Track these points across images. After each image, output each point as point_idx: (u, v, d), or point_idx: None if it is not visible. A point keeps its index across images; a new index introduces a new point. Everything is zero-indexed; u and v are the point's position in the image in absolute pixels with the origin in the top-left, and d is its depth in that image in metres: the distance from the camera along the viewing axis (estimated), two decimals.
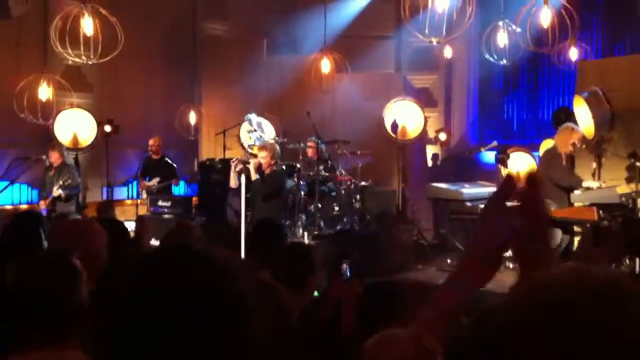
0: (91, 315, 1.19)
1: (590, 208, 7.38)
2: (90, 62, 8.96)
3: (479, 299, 1.37)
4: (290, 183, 9.22)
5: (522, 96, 12.74)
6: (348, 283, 3.71)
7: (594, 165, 9.30)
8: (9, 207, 9.67)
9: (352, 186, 10.00)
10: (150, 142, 10.58)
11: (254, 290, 1.16)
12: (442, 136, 12.17)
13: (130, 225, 6.63)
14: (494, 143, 9.78)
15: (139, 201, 10.53)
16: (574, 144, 7.84)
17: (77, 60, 8.83)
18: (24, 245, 3.90)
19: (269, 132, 10.63)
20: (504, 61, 10.60)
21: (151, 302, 1.08)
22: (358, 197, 9.96)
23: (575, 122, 8.77)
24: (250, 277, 1.19)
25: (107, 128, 10.22)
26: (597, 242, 7.80)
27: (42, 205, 9.05)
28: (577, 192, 8.17)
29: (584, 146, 8.83)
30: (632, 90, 9.30)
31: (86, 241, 3.12)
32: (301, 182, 9.43)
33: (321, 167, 9.72)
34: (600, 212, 7.36)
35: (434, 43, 9.35)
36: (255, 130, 10.27)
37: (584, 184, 7.92)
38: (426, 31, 8.68)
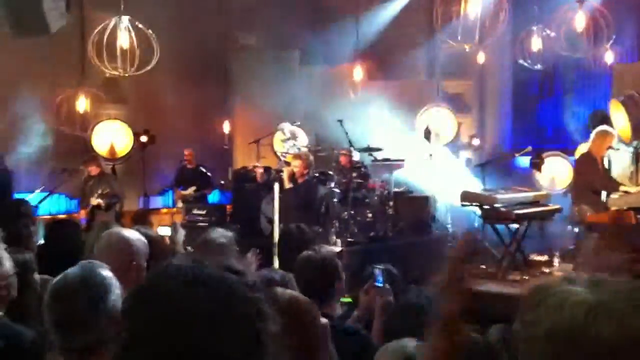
0: (121, 331, 1.21)
1: (627, 212, 7.26)
2: (126, 75, 9.14)
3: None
4: (323, 191, 9.25)
5: (557, 101, 12.60)
6: (379, 290, 3.71)
7: (632, 168, 9.17)
8: (48, 217, 9.89)
9: (385, 193, 10.00)
10: (185, 152, 10.74)
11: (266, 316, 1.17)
12: (475, 141, 12.11)
13: (166, 231, 6.76)
14: (529, 148, 9.68)
15: (174, 210, 10.67)
16: (608, 147, 7.74)
17: (113, 72, 9.00)
18: (64, 254, 4.00)
19: (303, 141, 10.69)
20: (538, 66, 10.53)
21: (174, 329, 1.12)
22: (391, 203, 9.95)
23: (611, 125, 8.65)
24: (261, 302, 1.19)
25: (143, 138, 10.39)
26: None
27: (82, 215, 9.24)
28: (614, 195, 8.05)
29: (619, 149, 8.70)
30: None
31: (129, 254, 3.20)
32: (334, 190, 9.46)
33: (354, 175, 9.74)
34: (639, 216, 7.24)
35: (467, 49, 9.34)
36: (289, 139, 10.34)
37: (622, 188, 7.81)
38: (458, 37, 8.67)
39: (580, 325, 1.07)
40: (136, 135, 10.47)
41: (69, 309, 2.22)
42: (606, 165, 8.09)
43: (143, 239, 3.34)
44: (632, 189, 7.95)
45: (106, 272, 2.38)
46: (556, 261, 8.74)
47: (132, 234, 3.33)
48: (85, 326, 2.19)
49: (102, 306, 2.23)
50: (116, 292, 2.30)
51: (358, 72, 11.78)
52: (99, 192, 9.06)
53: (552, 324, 1.10)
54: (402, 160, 10.71)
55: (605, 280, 1.14)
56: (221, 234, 4.04)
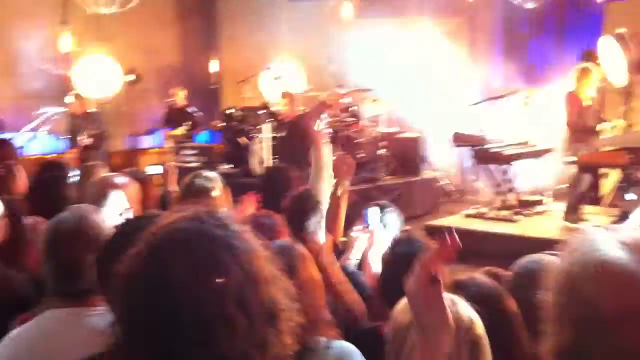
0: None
1: (619, 152, 7.25)
2: (109, 12, 8.91)
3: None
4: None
5: (548, 39, 12.43)
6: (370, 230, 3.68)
7: (622, 108, 9.13)
8: (38, 156, 9.75)
9: (376, 133, 9.94)
10: (172, 91, 10.57)
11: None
12: (466, 80, 11.98)
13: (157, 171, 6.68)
14: (518, 89, 9.61)
15: (162, 150, 10.58)
16: (591, 85, 7.69)
17: (96, 9, 8.77)
18: (51, 196, 3.94)
19: (292, 80, 10.55)
20: (529, 4, 10.35)
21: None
22: (382, 144, 9.90)
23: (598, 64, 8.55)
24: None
25: (130, 77, 10.19)
26: (627, 189, 7.71)
27: (71, 154, 9.12)
28: (606, 135, 8.03)
29: (608, 88, 8.65)
30: None
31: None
32: (325, 130, 9.37)
33: (344, 115, 9.65)
34: (631, 155, 7.23)
35: None
36: (279, 77, 10.22)
37: (610, 123, 7.76)
38: None
39: None
40: (122, 74, 10.25)
41: (66, 254, 2.20)
42: (596, 105, 8.02)
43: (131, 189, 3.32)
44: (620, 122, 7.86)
45: (99, 218, 2.37)
46: (548, 200, 8.81)
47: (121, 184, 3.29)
48: (81, 271, 2.17)
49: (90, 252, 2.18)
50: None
51: (347, 9, 11.54)
52: (88, 131, 8.93)
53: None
54: (393, 100, 10.62)
55: None
56: (205, 178, 3.96)
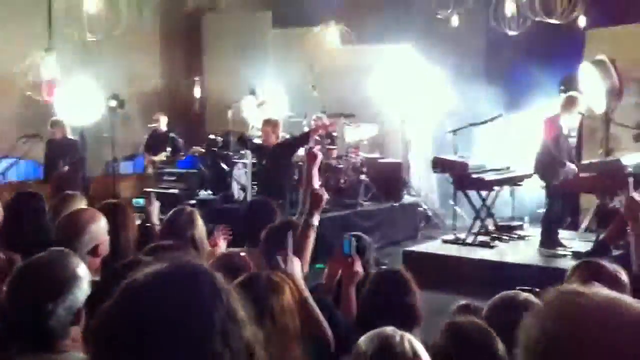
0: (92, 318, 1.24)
1: (596, 178, 7.35)
2: (94, 39, 8.97)
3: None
4: (297, 154, 9.18)
5: (530, 65, 12.59)
6: (344, 259, 3.69)
7: (602, 135, 9.26)
8: (15, 182, 9.73)
9: (358, 159, 10.01)
10: (155, 117, 10.62)
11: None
12: (450, 105, 12.09)
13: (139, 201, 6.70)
14: (499, 114, 9.71)
15: (145, 175, 10.59)
16: (578, 113, 7.77)
17: (81, 37, 8.83)
18: (27, 229, 3.94)
19: (275, 106, 10.61)
20: (512, 31, 10.50)
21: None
22: (364, 169, 9.97)
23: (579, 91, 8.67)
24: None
25: (113, 103, 10.22)
26: (600, 222, 7.80)
27: (50, 182, 9.13)
28: (584, 162, 8.12)
29: (588, 115, 8.76)
30: (636, 59, 9.22)
31: (89, 230, 3.22)
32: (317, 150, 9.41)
33: (327, 141, 9.72)
34: (607, 182, 7.31)
35: (439, 16, 9.32)
36: (262, 104, 10.28)
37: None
38: (432, 5, 8.64)
39: None
40: (105, 100, 10.27)
41: (32, 300, 2.19)
42: (574, 133, 8.12)
43: (100, 222, 3.33)
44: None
45: (74, 261, 2.37)
46: (526, 225, 8.89)
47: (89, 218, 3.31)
48: (48, 316, 2.17)
49: (67, 298, 2.22)
50: (83, 286, 2.29)
51: (331, 36, 11.66)
52: (63, 157, 8.95)
53: None
54: (375, 126, 10.71)
55: None
56: (187, 215, 4.01)
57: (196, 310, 1.17)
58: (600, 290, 1.12)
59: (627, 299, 1.11)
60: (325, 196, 3.90)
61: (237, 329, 1.20)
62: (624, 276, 2.66)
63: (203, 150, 10.51)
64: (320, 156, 4.54)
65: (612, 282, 2.52)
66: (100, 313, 1.21)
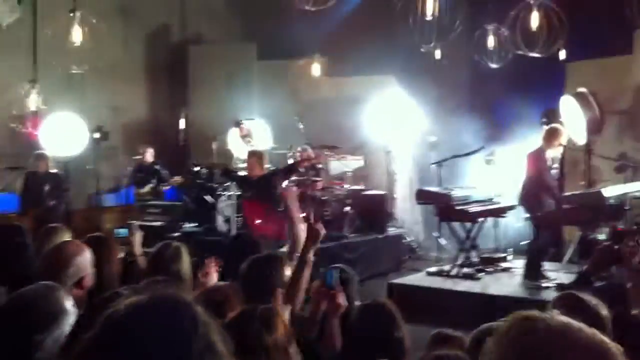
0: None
1: (578, 210, 7.41)
2: (79, 71, 8.99)
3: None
4: (281, 187, 9.19)
5: (512, 98, 12.73)
6: (326, 292, 3.67)
7: (583, 166, 9.34)
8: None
9: (343, 191, 10.03)
10: (142, 149, 10.61)
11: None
12: (432, 138, 12.19)
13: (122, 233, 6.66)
14: (481, 146, 9.81)
15: (128, 207, 10.54)
16: (559, 145, 7.85)
17: (65, 69, 8.85)
18: (11, 261, 3.91)
19: (259, 138, 10.64)
20: (494, 64, 10.64)
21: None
22: (348, 201, 9.98)
23: (561, 123, 8.78)
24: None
25: (97, 135, 10.21)
26: (583, 254, 7.86)
27: (31, 214, 9.06)
28: (566, 193, 8.20)
29: (570, 148, 8.85)
30: (616, 92, 9.39)
31: (74, 263, 3.24)
32: (292, 188, 9.43)
33: (311, 172, 9.74)
34: (589, 214, 7.37)
35: (422, 50, 9.43)
36: (247, 136, 10.28)
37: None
38: (416, 38, 8.74)
39: None
40: (89, 132, 10.26)
41: (18, 334, 2.22)
42: (556, 165, 8.18)
43: (85, 254, 3.35)
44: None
45: (64, 298, 2.42)
46: (510, 257, 8.92)
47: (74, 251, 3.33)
48: (32, 349, 2.19)
49: (55, 330, 2.26)
50: (70, 320, 2.32)
51: (316, 68, 11.76)
52: (45, 190, 8.90)
53: None
54: (360, 158, 10.76)
55: None
56: (173, 250, 4.00)
57: (174, 342, 1.18)
58: (556, 316, 1.19)
59: (580, 325, 1.17)
60: (323, 231, 3.88)
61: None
62: (603, 310, 2.69)
63: (181, 180, 10.49)
64: (293, 190, 4.56)
65: (591, 314, 2.54)
66: (80, 344, 1.22)
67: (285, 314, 3.32)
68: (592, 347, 1.13)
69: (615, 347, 1.15)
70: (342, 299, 3.62)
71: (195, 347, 1.19)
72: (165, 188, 10.69)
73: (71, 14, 8.75)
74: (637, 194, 7.75)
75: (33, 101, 9.79)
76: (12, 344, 2.20)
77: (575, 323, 1.17)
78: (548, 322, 1.17)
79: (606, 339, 1.15)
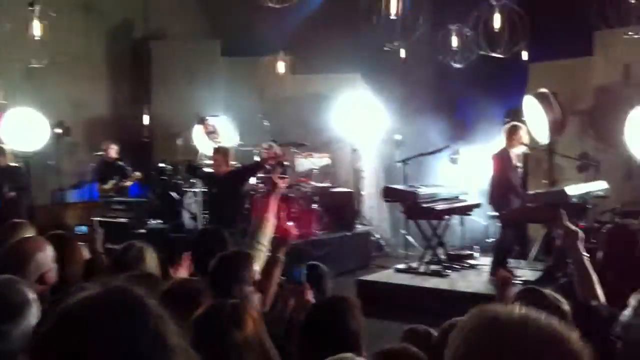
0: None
1: (542, 208, 7.49)
2: (39, 65, 8.81)
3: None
4: (247, 184, 9.14)
5: (475, 97, 12.87)
6: (293, 288, 3.64)
7: (546, 166, 9.49)
8: None
9: (309, 188, 10.01)
10: (105, 145, 10.45)
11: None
12: (398, 136, 12.25)
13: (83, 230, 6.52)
14: (447, 145, 9.90)
15: (90, 203, 10.38)
16: (521, 143, 7.95)
17: (25, 63, 8.67)
18: None
19: (224, 135, 10.55)
20: (457, 64, 10.75)
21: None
22: (315, 198, 9.97)
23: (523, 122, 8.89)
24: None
25: (58, 130, 10.02)
26: (548, 251, 7.99)
27: None
28: (530, 192, 8.32)
29: (533, 147, 8.98)
30: (577, 92, 9.57)
31: (35, 259, 3.24)
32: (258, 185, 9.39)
33: (279, 170, 9.68)
34: (553, 212, 7.48)
35: (386, 49, 9.48)
36: (212, 132, 10.19)
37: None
38: (381, 37, 8.78)
39: None
40: (51, 127, 10.07)
41: None
42: (520, 164, 8.28)
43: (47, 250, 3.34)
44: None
45: (28, 290, 2.42)
46: (476, 254, 9.01)
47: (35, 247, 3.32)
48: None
49: (21, 322, 2.26)
50: (35, 311, 2.33)
51: (281, 65, 11.72)
52: (6, 185, 8.70)
53: None
54: (326, 155, 10.76)
55: None
56: (137, 251, 3.92)
57: (120, 335, 1.17)
58: (516, 308, 1.22)
59: (539, 314, 1.21)
60: (295, 232, 3.85)
61: (165, 356, 1.20)
62: (564, 305, 2.76)
63: (141, 177, 10.37)
64: (282, 185, 4.49)
65: (552, 307, 2.59)
66: (34, 338, 1.24)
67: (254, 310, 3.29)
68: (552, 333, 1.17)
69: (574, 334, 1.19)
70: (309, 295, 3.61)
71: (143, 341, 1.18)
72: (128, 184, 10.54)
73: (30, 8, 8.59)
74: (598, 192, 7.91)
75: None
76: None
77: (535, 313, 1.20)
78: (508, 313, 1.20)
79: (565, 327, 1.19)
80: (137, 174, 10.52)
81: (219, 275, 3.51)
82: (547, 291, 2.86)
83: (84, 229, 5.16)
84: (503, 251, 7.85)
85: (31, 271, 3.20)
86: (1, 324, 2.21)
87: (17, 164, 9.28)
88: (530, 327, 1.17)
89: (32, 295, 2.40)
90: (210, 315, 2.52)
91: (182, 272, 4.07)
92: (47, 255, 3.32)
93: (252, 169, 8.56)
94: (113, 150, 10.47)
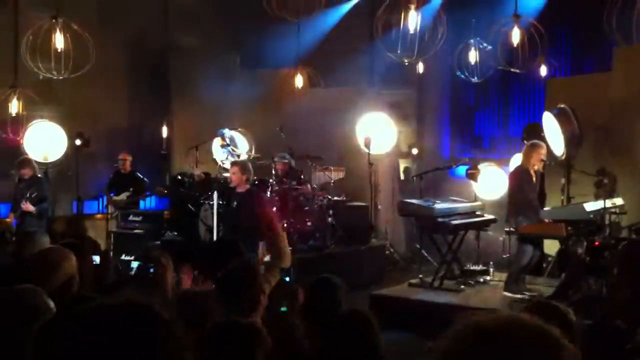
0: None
1: (558, 225, 7.45)
2: (61, 77, 8.92)
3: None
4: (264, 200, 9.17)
5: (493, 112, 12.86)
6: (292, 289, 3.67)
7: (563, 181, 9.43)
8: None
9: (325, 201, 10.01)
10: (120, 156, 10.54)
11: None
12: (415, 150, 12.25)
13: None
14: (465, 159, 9.88)
15: (108, 215, 10.44)
16: (541, 160, 7.91)
17: (47, 74, 8.78)
18: None
19: (242, 147, 10.62)
20: (475, 79, 10.74)
21: None
22: (331, 212, 9.97)
23: (544, 138, 8.87)
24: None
25: (78, 141, 10.13)
26: (562, 267, 7.92)
27: (12, 218, 8.97)
28: (546, 208, 8.27)
29: (552, 163, 8.94)
30: (595, 107, 9.51)
31: (61, 268, 3.36)
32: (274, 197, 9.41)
33: (293, 183, 9.73)
34: (569, 228, 7.44)
35: (405, 63, 9.48)
36: (228, 145, 10.25)
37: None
38: (398, 51, 8.79)
39: None
40: (70, 138, 10.18)
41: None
42: (538, 179, 8.23)
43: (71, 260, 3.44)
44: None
45: (48, 301, 2.51)
46: (491, 270, 8.96)
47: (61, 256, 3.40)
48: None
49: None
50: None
51: (299, 79, 11.77)
52: (27, 195, 8.79)
53: None
54: (342, 169, 10.77)
55: None
56: (154, 263, 3.96)
57: (134, 348, 1.19)
58: (505, 312, 1.23)
59: (528, 315, 1.21)
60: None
61: None
62: (571, 315, 2.73)
63: (165, 191, 10.42)
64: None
65: (559, 317, 2.58)
66: (51, 344, 1.28)
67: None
68: (538, 331, 1.17)
69: (557, 330, 1.19)
70: (301, 296, 3.65)
71: (158, 353, 1.21)
72: (142, 198, 10.60)
73: (53, 20, 8.70)
74: (616, 209, 7.85)
75: (13, 106, 9.70)
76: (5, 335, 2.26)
77: (525, 315, 1.21)
78: (496, 315, 1.21)
79: (553, 328, 1.19)
80: (159, 188, 10.58)
81: (229, 287, 3.53)
82: (555, 302, 2.85)
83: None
84: (520, 267, 7.80)
85: (57, 279, 3.32)
86: (26, 327, 2.24)
87: (40, 175, 9.40)
88: (516, 323, 1.18)
89: (52, 305, 2.49)
90: (224, 334, 2.56)
91: (187, 282, 4.11)
92: (72, 264, 3.45)
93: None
94: (128, 162, 10.55)
